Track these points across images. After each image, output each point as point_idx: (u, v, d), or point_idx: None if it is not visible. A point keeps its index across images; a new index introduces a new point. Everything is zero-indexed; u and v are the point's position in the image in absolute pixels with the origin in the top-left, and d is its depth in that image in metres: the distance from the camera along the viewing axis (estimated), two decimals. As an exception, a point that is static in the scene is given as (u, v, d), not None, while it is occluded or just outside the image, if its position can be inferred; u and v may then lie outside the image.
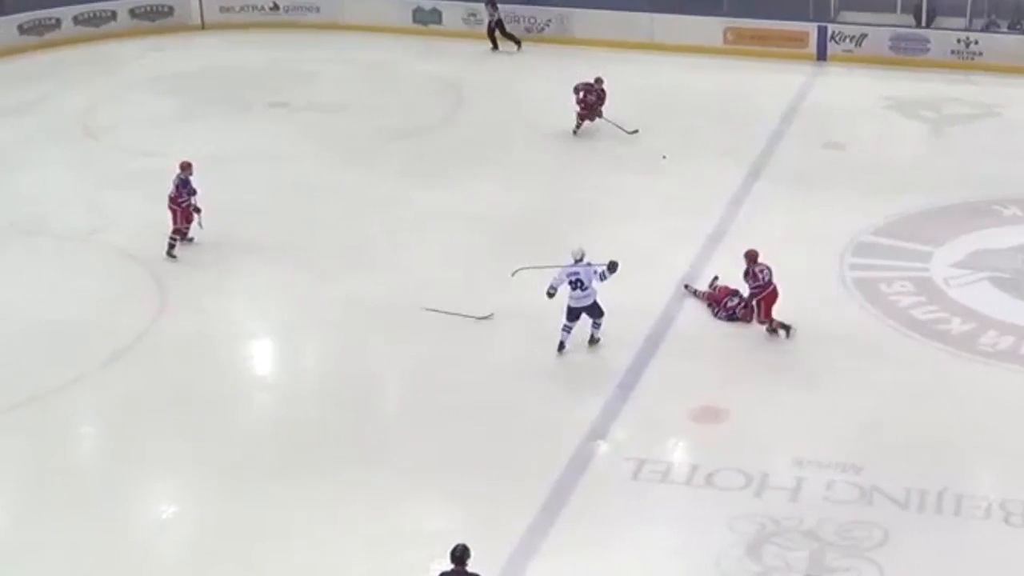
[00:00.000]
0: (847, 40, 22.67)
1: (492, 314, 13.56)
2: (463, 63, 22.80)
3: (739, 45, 22.93)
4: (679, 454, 11.55)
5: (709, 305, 13.83)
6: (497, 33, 23.22)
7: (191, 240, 15.19)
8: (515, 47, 23.20)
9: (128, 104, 21.23)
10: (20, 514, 10.99)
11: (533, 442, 11.52)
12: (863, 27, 22.73)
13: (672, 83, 21.64)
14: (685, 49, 22.83)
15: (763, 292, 13.02)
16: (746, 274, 13.07)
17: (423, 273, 14.85)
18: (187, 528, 10.80)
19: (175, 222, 15.16)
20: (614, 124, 18.14)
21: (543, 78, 21.89)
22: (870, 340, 13.27)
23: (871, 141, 19.01)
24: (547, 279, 13.01)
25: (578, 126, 18.43)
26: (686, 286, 14.23)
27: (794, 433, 11.67)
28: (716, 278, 14.17)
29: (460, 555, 8.73)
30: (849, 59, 22.54)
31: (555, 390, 12.35)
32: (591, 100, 18.57)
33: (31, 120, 20.36)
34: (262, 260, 15.40)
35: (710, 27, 23.04)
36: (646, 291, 14.15)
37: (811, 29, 22.80)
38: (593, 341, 12.79)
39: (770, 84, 21.53)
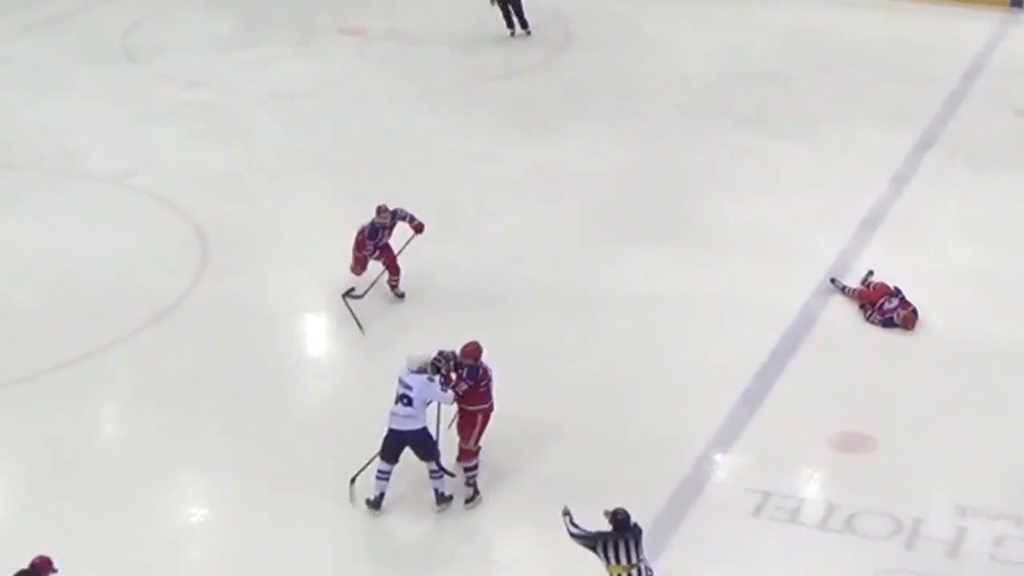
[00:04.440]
0: (1050, -18, 21.89)
1: (353, 288, 13.23)
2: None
3: (914, -16, 22.27)
4: (813, 489, 11.32)
5: (861, 306, 13.50)
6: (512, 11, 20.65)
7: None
8: (522, 31, 20.71)
9: (177, 23, 21.43)
10: (33, 503, 11.12)
11: (637, 461, 11.41)
12: (1071, -34, 21.90)
13: (829, 27, 21.13)
14: (847, -13, 22.33)
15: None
16: (459, 370, 10.83)
17: (514, 245, 14.86)
18: (220, 526, 10.93)
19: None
20: None
21: (668, 17, 21.62)
22: (1061, 364, 13.05)
23: (1073, 109, 18.45)
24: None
25: None
26: (832, 280, 13.93)
27: (958, 473, 11.38)
28: (871, 272, 13.86)
29: (624, 518, 9.41)
30: (1052, 6, 21.81)
31: (665, 399, 12.20)
32: None
33: (64, 38, 20.68)
34: (326, 218, 15.45)
35: (879, -39, 22.41)
36: (782, 284, 13.95)
37: (1006, -33, 22.07)
38: (441, 500, 10.72)
39: (950, 34, 20.88)
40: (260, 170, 16.65)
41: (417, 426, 10.65)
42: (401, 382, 10.70)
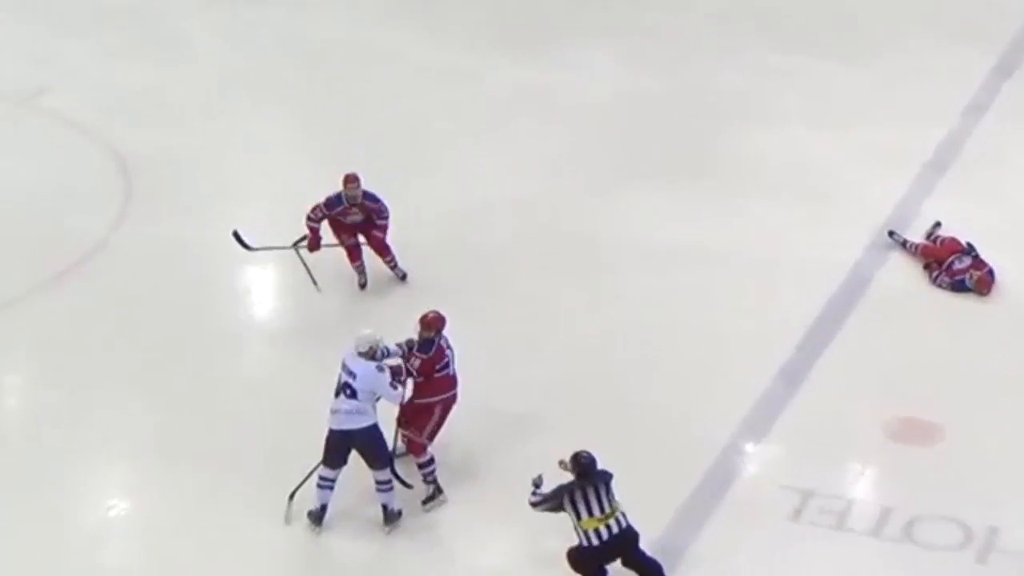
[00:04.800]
0: None
1: (302, 240, 12.86)
2: None
3: None
4: (864, 488, 11.22)
5: (926, 265, 13.48)
6: None
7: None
8: None
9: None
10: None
11: (648, 453, 11.18)
12: None
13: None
14: None
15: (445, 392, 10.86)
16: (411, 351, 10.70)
17: (497, 187, 14.76)
18: (141, 526, 10.86)
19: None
20: None
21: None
22: None
23: None
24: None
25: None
26: (891, 233, 13.89)
27: (1042, 470, 11.25)
28: (938, 224, 13.87)
29: (588, 462, 9.78)
30: None
31: (684, 376, 12.07)
32: None
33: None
34: (272, 149, 15.44)
35: None
36: (830, 237, 13.89)
37: None
38: (390, 518, 10.54)
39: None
40: (194, 90, 16.61)
41: (364, 423, 10.34)
42: (344, 367, 10.39)
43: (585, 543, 9.69)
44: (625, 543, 9.76)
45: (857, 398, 11.84)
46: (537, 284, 13.22)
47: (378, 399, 10.39)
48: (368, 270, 13.11)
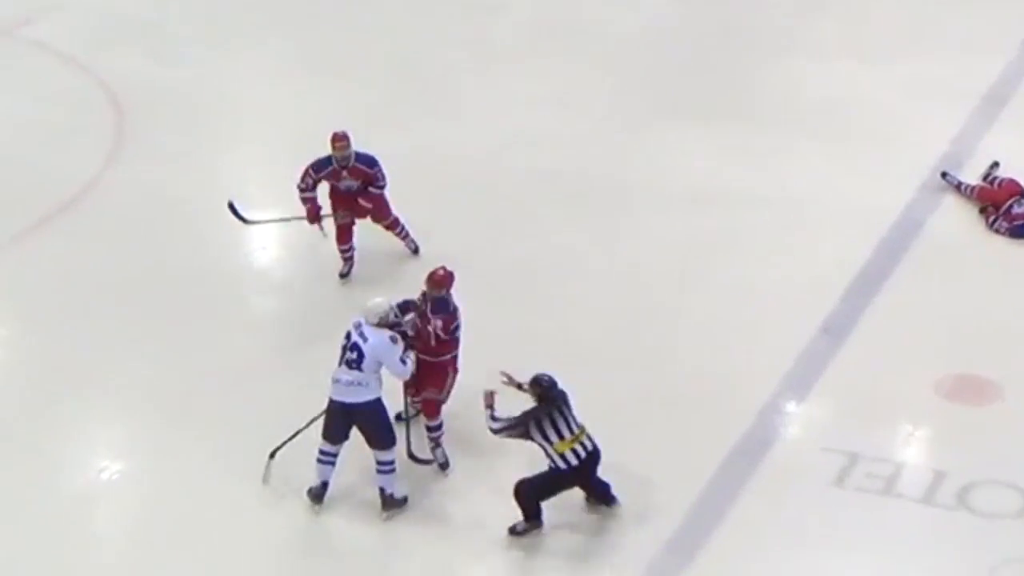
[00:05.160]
0: None
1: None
2: None
3: None
4: (915, 451, 11.13)
5: (982, 209, 13.37)
6: None
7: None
8: None
9: None
10: None
11: (680, 413, 11.22)
12: None
13: None
14: None
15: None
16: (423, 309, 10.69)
17: (513, 122, 14.73)
18: (137, 488, 10.80)
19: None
20: None
21: None
22: None
23: None
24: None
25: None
26: (944, 175, 13.80)
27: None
28: (996, 165, 13.74)
29: (549, 383, 9.96)
30: None
31: (718, 330, 12.02)
32: None
33: None
34: (268, 80, 15.46)
35: None
36: (876, 179, 13.79)
37: None
38: (389, 503, 10.37)
39: None
40: (189, 18, 16.62)
41: (366, 397, 10.15)
42: (356, 330, 10.15)
43: (563, 466, 9.83)
44: (594, 463, 9.96)
45: (907, 354, 11.74)
46: (554, 232, 13.17)
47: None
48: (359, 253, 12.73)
